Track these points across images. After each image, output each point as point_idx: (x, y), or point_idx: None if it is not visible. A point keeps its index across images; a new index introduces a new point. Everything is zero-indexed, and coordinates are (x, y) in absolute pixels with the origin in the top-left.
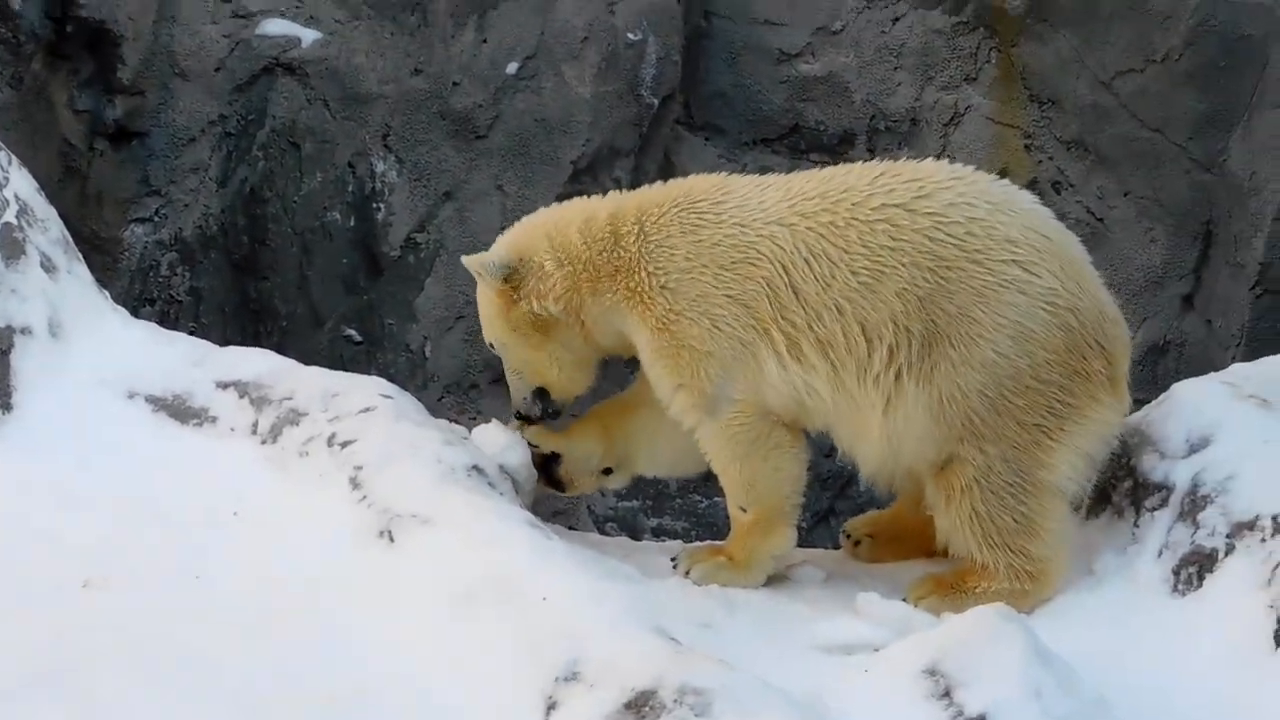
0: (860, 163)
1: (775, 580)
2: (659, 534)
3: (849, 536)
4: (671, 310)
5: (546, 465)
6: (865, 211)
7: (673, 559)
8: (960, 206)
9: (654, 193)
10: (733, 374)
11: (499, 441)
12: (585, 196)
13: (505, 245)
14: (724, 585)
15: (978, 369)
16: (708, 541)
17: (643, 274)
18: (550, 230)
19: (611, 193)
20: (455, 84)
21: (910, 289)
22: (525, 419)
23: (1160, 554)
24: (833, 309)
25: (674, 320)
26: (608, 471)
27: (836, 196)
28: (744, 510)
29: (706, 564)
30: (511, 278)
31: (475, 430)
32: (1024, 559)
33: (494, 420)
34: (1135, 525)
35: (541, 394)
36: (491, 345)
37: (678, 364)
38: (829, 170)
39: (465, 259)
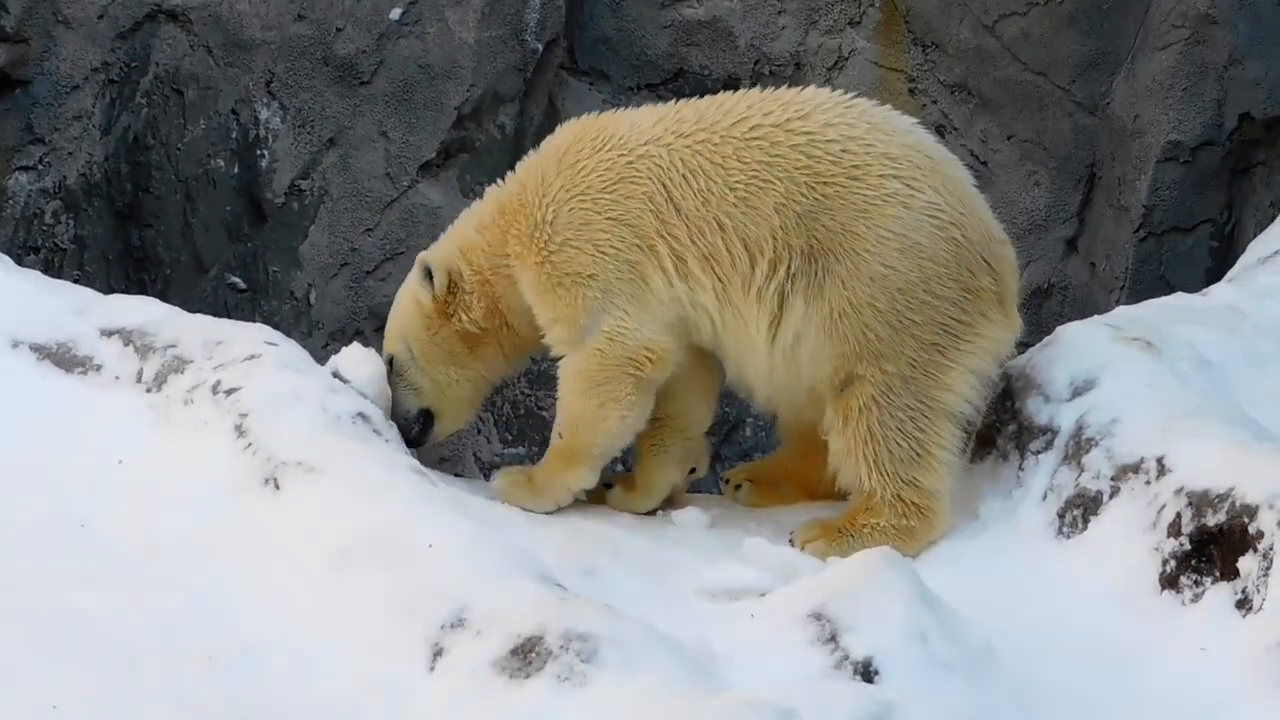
0: (743, 90)
1: (660, 525)
2: None
3: (728, 482)
4: (553, 241)
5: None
6: (741, 130)
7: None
8: (838, 126)
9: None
10: (612, 298)
11: (365, 368)
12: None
13: (446, 254)
14: (516, 504)
15: (867, 283)
16: (521, 465)
17: (524, 218)
18: (458, 238)
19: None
20: (339, 30)
21: (788, 204)
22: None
23: (1045, 497)
24: (714, 224)
25: (557, 250)
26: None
27: (714, 118)
28: (560, 437)
29: (506, 479)
30: (452, 289)
31: (337, 355)
32: (913, 490)
33: (354, 343)
34: (1020, 469)
35: (427, 418)
36: (392, 357)
37: (558, 295)
38: (711, 97)
39: (425, 256)
